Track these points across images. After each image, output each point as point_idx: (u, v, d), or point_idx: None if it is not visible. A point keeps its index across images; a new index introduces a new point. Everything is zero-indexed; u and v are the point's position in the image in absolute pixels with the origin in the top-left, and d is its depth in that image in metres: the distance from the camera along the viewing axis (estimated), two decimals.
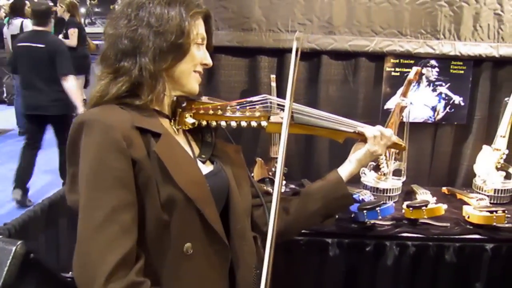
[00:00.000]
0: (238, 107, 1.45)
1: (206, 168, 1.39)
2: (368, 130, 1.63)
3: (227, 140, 1.58)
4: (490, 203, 2.63)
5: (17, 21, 7.03)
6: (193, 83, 1.39)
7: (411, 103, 2.74)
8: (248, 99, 1.47)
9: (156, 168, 1.19)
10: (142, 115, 1.25)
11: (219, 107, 1.43)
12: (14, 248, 1.71)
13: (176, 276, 1.24)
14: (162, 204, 1.19)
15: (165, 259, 1.22)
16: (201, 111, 1.42)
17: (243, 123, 1.45)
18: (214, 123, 1.43)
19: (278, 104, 1.51)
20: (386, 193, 2.64)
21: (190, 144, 1.43)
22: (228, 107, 1.43)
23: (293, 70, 1.37)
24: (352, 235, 2.36)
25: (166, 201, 1.19)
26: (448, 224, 2.43)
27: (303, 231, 2.34)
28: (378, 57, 2.85)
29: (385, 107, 2.87)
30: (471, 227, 2.41)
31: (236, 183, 1.45)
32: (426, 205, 2.37)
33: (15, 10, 7.13)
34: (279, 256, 2.33)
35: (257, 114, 1.46)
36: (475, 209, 2.43)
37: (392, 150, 2.42)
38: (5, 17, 7.70)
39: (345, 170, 1.65)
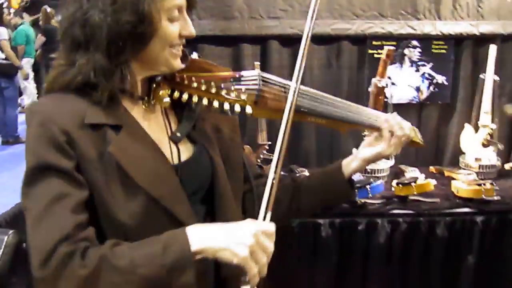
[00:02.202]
0: (223, 85, 1.24)
1: (184, 151, 1.24)
2: (386, 129, 1.44)
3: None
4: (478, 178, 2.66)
5: None
6: (171, 62, 1.17)
7: (392, 83, 2.76)
8: (238, 74, 1.27)
9: (112, 168, 1.07)
10: (101, 104, 1.10)
11: (203, 80, 1.23)
12: (5, 238, 1.69)
13: None
14: (120, 209, 1.07)
15: None
16: (184, 82, 1.23)
17: (226, 106, 1.25)
18: (195, 99, 1.23)
19: (272, 83, 1.30)
20: (375, 174, 2.64)
21: (168, 119, 1.27)
22: (213, 83, 1.23)
23: (303, 45, 1.26)
24: (344, 215, 2.37)
25: (125, 204, 1.07)
26: (438, 200, 2.45)
27: None
28: (360, 40, 2.87)
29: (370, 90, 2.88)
30: (460, 201, 2.43)
31: (227, 165, 1.31)
32: (415, 181, 2.39)
33: None
34: None
35: (243, 96, 1.25)
36: (463, 183, 2.45)
37: None
38: None
39: (348, 168, 1.48)
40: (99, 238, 1.06)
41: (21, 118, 7.77)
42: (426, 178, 2.53)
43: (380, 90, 2.51)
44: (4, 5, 7.39)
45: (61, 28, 1.13)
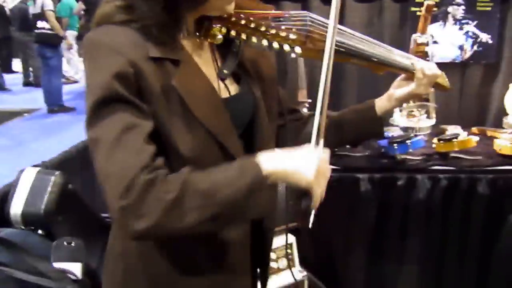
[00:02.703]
0: (272, 24, 1.24)
1: (230, 87, 1.27)
2: (420, 68, 1.45)
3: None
4: None
5: (39, 1, 7.11)
6: (225, 8, 1.18)
7: (434, 42, 2.71)
8: (287, 14, 1.26)
9: (175, 101, 1.09)
10: (159, 38, 1.10)
11: (252, 18, 1.24)
12: (53, 177, 1.78)
13: None
14: (181, 142, 1.10)
15: None
16: (233, 18, 1.24)
17: (275, 45, 1.26)
18: (243, 36, 1.25)
19: (320, 23, 1.29)
20: (416, 132, 2.62)
21: (216, 57, 1.29)
22: (262, 21, 1.24)
23: None
24: (383, 170, 2.37)
25: (185, 138, 1.10)
26: (480, 157, 2.42)
27: (332, 166, 2.37)
28: None
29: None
30: (503, 159, 2.40)
31: (264, 100, 1.33)
32: (456, 137, 2.36)
33: None
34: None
35: (292, 36, 1.25)
36: (506, 141, 2.41)
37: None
38: None
39: (381, 107, 1.49)
40: None
41: (65, 88, 8.00)
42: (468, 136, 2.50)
43: (421, 47, 2.47)
44: None
45: None
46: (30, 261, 1.61)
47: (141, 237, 1.03)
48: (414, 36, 2.46)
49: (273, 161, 1.07)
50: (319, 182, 1.10)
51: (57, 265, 1.68)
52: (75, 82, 9.58)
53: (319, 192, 1.12)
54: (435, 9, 2.79)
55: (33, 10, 7.38)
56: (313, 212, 1.18)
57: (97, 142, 1.03)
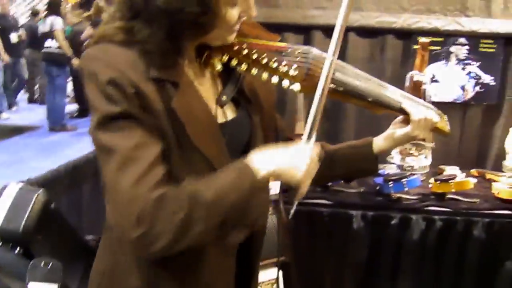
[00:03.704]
0: (275, 57, 1.24)
1: (228, 113, 1.26)
2: (415, 113, 1.42)
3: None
4: None
5: (49, 19, 7.18)
6: (226, 38, 1.17)
7: (436, 81, 2.69)
8: (290, 48, 1.26)
9: (174, 123, 1.08)
10: (160, 60, 1.09)
11: (254, 50, 1.23)
12: (35, 195, 1.74)
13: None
14: (177, 162, 1.09)
15: None
16: (235, 47, 1.23)
17: (275, 79, 1.26)
18: (244, 67, 1.25)
19: (322, 61, 1.26)
20: (412, 171, 2.57)
21: (216, 83, 1.28)
22: (265, 54, 1.24)
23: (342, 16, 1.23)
24: (377, 208, 2.33)
25: (180, 160, 1.10)
26: (477, 200, 2.37)
27: (326, 201, 2.33)
28: (405, 35, 2.81)
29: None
30: (500, 202, 2.35)
31: (261, 127, 1.32)
32: (453, 178, 2.32)
33: (51, 8, 7.29)
34: (301, 226, 2.31)
35: (292, 72, 1.25)
36: (505, 185, 2.37)
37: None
38: (44, 16, 7.86)
39: (377, 146, 1.48)
40: None
41: (69, 108, 8.02)
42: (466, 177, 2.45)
43: (418, 85, 2.44)
44: None
45: None
46: (4, 280, 1.56)
47: (160, 255, 1.05)
48: (410, 73, 2.45)
49: (267, 162, 1.10)
50: (306, 180, 1.15)
51: (32, 285, 1.63)
52: None
53: (305, 189, 1.17)
54: (437, 48, 2.78)
55: (42, 28, 7.44)
56: (295, 205, 1.24)
57: (109, 154, 1.03)
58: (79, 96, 8.14)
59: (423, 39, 2.40)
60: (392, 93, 1.45)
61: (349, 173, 1.54)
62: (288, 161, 1.13)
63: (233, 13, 1.12)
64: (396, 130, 1.46)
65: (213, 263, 1.21)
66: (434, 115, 1.44)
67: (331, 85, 1.29)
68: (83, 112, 7.84)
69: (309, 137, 1.18)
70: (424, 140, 2.30)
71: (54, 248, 1.80)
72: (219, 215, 1.06)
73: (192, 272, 1.19)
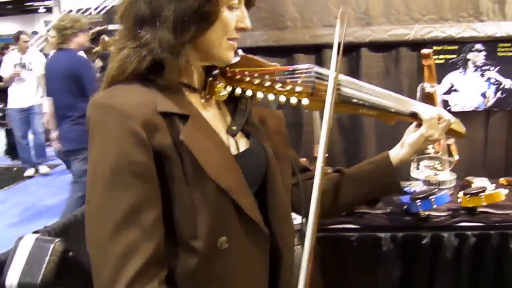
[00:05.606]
0: (277, 78, 1.25)
1: (239, 143, 1.23)
2: (424, 111, 1.44)
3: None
4: None
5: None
6: (226, 54, 1.17)
7: (455, 90, 2.61)
8: (291, 68, 1.28)
9: (185, 157, 1.06)
10: (167, 94, 1.10)
11: (256, 74, 1.24)
12: (52, 246, 1.68)
13: (211, 275, 1.10)
14: (192, 197, 1.06)
15: (197, 256, 1.08)
16: (237, 76, 1.24)
17: (282, 98, 1.26)
18: (249, 93, 1.25)
19: (325, 75, 1.30)
20: (439, 186, 2.48)
21: (223, 114, 1.27)
22: (267, 76, 1.25)
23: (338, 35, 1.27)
24: (406, 228, 2.23)
25: (196, 193, 1.06)
26: (510, 211, 2.26)
27: (352, 226, 2.24)
28: (419, 46, 2.72)
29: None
30: None
31: (276, 158, 1.29)
32: (483, 191, 2.22)
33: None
34: (328, 252, 2.22)
35: (298, 89, 1.26)
36: None
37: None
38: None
39: (395, 156, 1.47)
40: (169, 232, 1.07)
41: None
42: (496, 188, 2.35)
43: (430, 96, 2.36)
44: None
45: (123, 5, 1.12)
46: None
47: None
48: (421, 85, 2.38)
49: None
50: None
51: None
52: None
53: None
54: (453, 56, 2.71)
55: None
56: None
57: (103, 216, 1.00)
58: None
59: (424, 50, 2.34)
60: (402, 99, 1.47)
61: (373, 192, 1.49)
62: None
63: (231, 17, 1.14)
64: (410, 134, 1.47)
65: None
66: (446, 113, 1.45)
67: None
68: None
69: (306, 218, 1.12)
70: (438, 141, 2.23)
71: None
72: None
73: None
